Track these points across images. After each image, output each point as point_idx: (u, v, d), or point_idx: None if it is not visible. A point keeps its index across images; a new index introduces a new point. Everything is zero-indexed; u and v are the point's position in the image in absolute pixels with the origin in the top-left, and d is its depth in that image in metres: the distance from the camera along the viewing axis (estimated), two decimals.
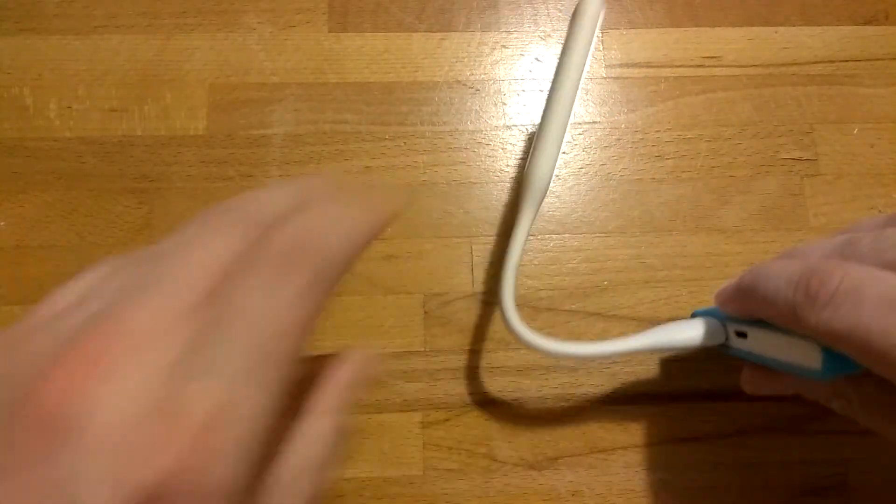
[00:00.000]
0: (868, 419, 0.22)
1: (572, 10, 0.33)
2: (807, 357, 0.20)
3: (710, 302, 0.26)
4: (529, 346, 0.24)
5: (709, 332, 0.24)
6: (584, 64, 0.24)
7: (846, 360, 0.18)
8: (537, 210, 0.25)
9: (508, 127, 0.31)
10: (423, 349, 0.29)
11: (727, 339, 0.24)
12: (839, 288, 0.17)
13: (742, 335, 0.23)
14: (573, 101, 0.24)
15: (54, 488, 0.10)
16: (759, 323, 0.22)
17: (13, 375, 0.11)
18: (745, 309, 0.22)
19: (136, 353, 0.11)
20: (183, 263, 0.12)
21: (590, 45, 0.24)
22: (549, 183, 0.25)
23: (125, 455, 0.10)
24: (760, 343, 0.22)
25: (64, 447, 0.10)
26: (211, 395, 0.10)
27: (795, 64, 0.32)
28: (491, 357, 0.29)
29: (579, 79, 0.24)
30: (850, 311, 0.17)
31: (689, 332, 0.24)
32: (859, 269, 0.18)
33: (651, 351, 0.24)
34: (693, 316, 0.26)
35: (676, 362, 0.29)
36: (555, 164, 0.25)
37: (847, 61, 0.33)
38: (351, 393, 0.15)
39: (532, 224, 0.25)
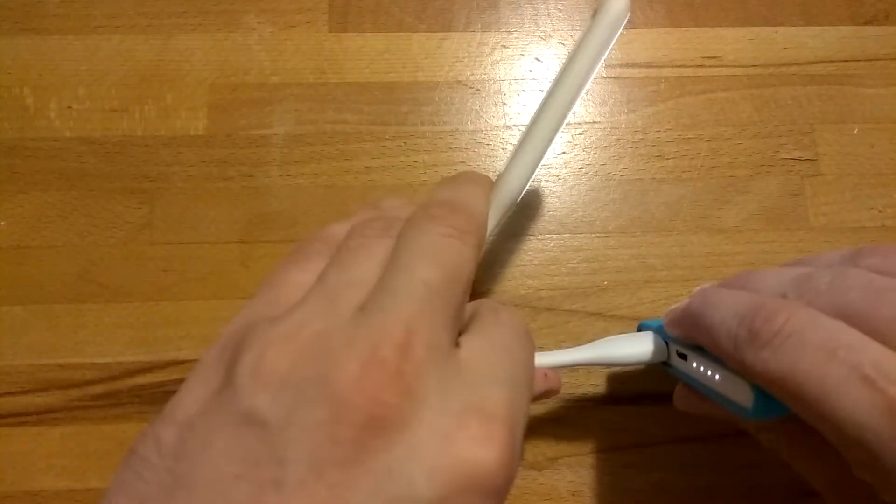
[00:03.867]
0: (792, 459, 0.21)
1: (572, 10, 0.33)
2: (739, 394, 0.19)
3: None
4: None
5: (651, 350, 0.23)
6: (590, 72, 0.21)
7: (778, 402, 0.17)
8: (502, 217, 0.22)
9: (509, 127, 0.31)
10: None
11: (669, 357, 0.23)
12: (782, 329, 0.16)
13: (683, 357, 0.22)
14: (567, 110, 0.21)
15: (387, 478, 0.11)
16: (701, 349, 0.21)
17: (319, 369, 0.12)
18: (688, 334, 0.21)
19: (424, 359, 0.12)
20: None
21: (603, 52, 0.21)
22: (519, 194, 0.22)
23: (448, 448, 0.11)
24: (698, 369, 0.21)
25: (391, 441, 0.11)
26: (503, 399, 0.12)
27: (796, 64, 0.32)
28: None
29: (581, 86, 0.21)
30: (789, 354, 0.16)
31: (633, 349, 0.23)
32: (806, 313, 0.17)
33: (594, 364, 0.23)
34: (639, 328, 0.25)
35: None
36: (531, 174, 0.22)
37: (847, 61, 0.33)
38: None
39: (496, 227, 0.23)
